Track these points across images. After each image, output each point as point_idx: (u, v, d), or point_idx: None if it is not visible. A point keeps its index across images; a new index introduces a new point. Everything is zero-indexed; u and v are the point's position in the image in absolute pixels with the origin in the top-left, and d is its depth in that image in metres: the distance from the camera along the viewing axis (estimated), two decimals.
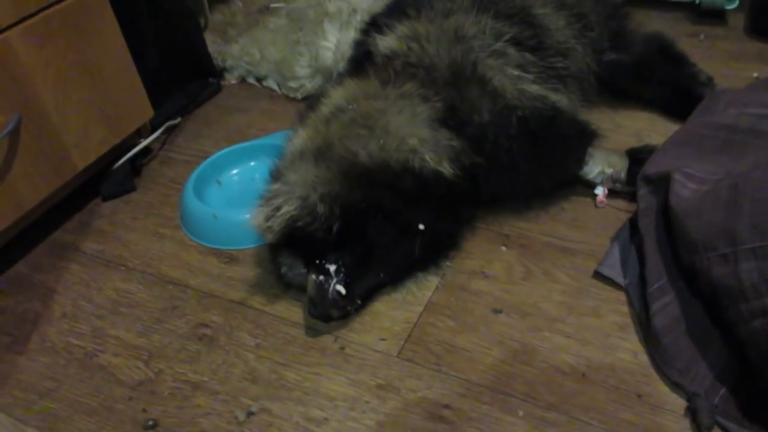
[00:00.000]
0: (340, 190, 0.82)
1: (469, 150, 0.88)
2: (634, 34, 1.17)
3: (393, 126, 0.86)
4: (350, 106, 0.91)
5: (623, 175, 0.95)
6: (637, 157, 0.95)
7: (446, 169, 0.86)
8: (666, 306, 0.77)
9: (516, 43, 0.96)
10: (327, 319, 0.84)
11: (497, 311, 0.85)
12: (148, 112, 1.22)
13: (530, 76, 0.95)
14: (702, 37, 1.37)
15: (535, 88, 0.94)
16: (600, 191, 0.97)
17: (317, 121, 0.92)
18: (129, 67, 1.16)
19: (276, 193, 0.84)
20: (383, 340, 0.84)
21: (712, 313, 0.75)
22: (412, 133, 0.86)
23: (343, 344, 0.84)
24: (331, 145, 0.86)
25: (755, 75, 1.21)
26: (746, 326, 0.69)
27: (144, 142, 1.23)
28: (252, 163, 1.18)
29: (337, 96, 0.94)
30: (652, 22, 1.43)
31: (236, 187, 1.16)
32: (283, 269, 0.89)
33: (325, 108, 0.93)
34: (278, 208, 0.82)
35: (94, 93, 1.09)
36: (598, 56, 1.10)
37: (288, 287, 0.92)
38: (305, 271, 0.86)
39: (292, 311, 0.90)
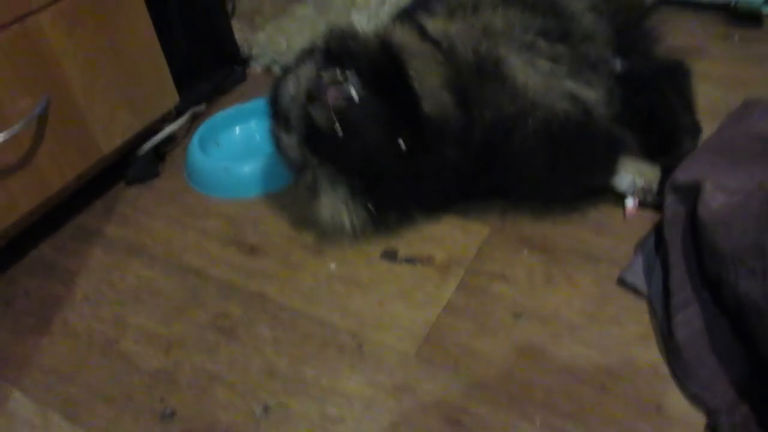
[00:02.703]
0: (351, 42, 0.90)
1: (464, 124, 0.89)
2: (648, 46, 1.06)
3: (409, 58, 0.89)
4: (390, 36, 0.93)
5: (655, 186, 0.93)
6: (670, 168, 0.92)
7: (426, 106, 0.87)
8: (689, 318, 0.76)
9: (545, 33, 0.94)
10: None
11: (517, 315, 0.85)
12: (173, 98, 1.22)
13: (564, 68, 0.92)
14: (736, 39, 1.34)
15: (567, 84, 0.92)
16: (630, 203, 0.96)
17: None
18: (156, 52, 1.16)
19: (301, 74, 0.92)
20: (401, 339, 0.84)
21: (737, 328, 0.74)
22: (417, 68, 0.88)
23: (361, 342, 0.84)
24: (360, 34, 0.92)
25: None
26: None
27: (169, 129, 1.23)
28: (252, 123, 1.26)
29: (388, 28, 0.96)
30: (685, 23, 1.40)
31: (238, 146, 1.24)
32: (284, 138, 0.94)
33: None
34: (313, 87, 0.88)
35: (121, 78, 1.09)
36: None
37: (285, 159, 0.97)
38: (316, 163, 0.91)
39: (311, 306, 0.90)
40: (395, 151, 0.88)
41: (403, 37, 0.92)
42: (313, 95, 0.86)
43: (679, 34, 1.33)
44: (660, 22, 1.05)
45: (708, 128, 1.07)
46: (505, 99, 0.89)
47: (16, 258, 1.05)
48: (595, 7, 0.98)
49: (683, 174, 0.85)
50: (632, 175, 0.95)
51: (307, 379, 0.80)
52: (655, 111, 0.98)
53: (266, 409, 0.77)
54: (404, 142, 0.88)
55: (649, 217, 0.95)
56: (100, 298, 0.96)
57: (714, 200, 0.78)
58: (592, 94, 0.92)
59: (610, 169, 0.95)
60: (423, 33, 0.94)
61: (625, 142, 0.95)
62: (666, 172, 0.92)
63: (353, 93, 0.84)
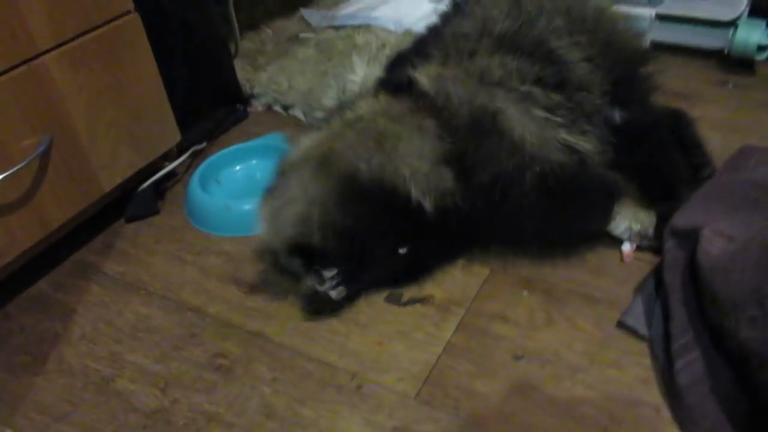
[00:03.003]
0: (335, 211, 0.88)
1: (464, 196, 0.90)
2: (647, 95, 1.06)
3: (400, 151, 0.91)
4: (374, 119, 0.95)
5: (651, 231, 0.94)
6: (665, 214, 0.93)
7: (428, 204, 0.90)
8: (690, 364, 0.76)
9: (541, 82, 0.96)
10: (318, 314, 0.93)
11: (518, 357, 0.84)
12: (175, 137, 1.23)
13: (559, 119, 0.94)
14: (731, 85, 1.37)
15: (563, 135, 0.93)
16: (627, 247, 0.96)
17: (340, 124, 0.97)
18: (160, 92, 1.18)
19: (277, 204, 0.93)
20: (401, 380, 0.83)
21: (739, 375, 0.74)
22: (411, 163, 0.90)
23: (360, 383, 0.83)
24: (336, 155, 0.91)
25: None
26: None
27: (170, 166, 1.24)
28: (254, 162, 1.28)
29: (364, 106, 0.98)
30: (680, 69, 1.43)
31: (238, 184, 1.25)
32: (282, 259, 0.96)
33: (350, 114, 0.98)
34: (283, 230, 0.91)
35: (124, 117, 1.10)
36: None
37: (282, 273, 0.99)
38: (301, 265, 0.93)
39: (310, 346, 0.89)
40: (395, 256, 0.93)
41: (390, 119, 0.94)
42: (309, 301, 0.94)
43: (674, 80, 1.36)
44: (657, 70, 1.06)
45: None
46: (502, 155, 0.90)
47: (13, 294, 1.04)
48: (591, 58, 0.99)
49: (682, 219, 0.86)
50: (628, 221, 0.96)
51: (305, 419, 0.79)
52: (654, 162, 0.99)
53: None
54: (406, 247, 0.93)
55: (648, 260, 0.95)
56: (97, 335, 0.95)
57: (713, 246, 0.78)
58: (587, 145, 0.94)
59: (607, 216, 0.96)
60: (411, 90, 0.97)
61: (620, 188, 0.96)
62: (662, 218, 0.93)
63: (333, 294, 0.91)
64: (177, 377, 0.87)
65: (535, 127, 0.92)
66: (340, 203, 0.89)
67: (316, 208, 0.89)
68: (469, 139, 0.91)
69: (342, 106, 1.04)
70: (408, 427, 0.77)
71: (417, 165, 0.90)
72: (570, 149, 0.92)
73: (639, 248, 0.97)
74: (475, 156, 0.90)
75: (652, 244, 0.95)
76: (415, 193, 0.89)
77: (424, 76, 0.97)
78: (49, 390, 0.87)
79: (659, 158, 0.99)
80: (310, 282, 0.90)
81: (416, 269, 0.98)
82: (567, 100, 0.95)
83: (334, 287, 0.89)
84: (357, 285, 0.93)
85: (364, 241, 0.89)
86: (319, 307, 0.92)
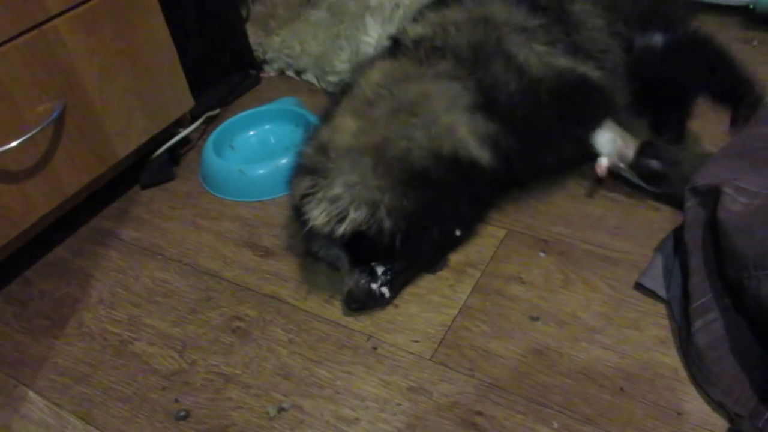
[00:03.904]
0: (402, 201, 0.84)
1: (503, 131, 0.89)
2: (678, 19, 1.06)
3: (438, 112, 0.88)
4: (391, 90, 0.91)
5: (630, 153, 0.92)
6: (649, 146, 0.92)
7: (487, 157, 0.88)
8: (709, 323, 0.75)
9: (545, 30, 0.96)
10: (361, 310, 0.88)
11: (534, 318, 0.84)
12: (188, 103, 1.23)
13: (558, 51, 0.94)
14: (755, 42, 1.33)
15: (562, 61, 0.93)
16: (604, 161, 0.94)
17: (361, 105, 0.92)
18: (172, 57, 1.17)
19: (339, 195, 0.84)
20: (416, 342, 0.83)
21: (759, 333, 0.73)
22: (458, 121, 0.87)
23: (375, 344, 0.83)
24: (387, 143, 0.86)
25: None
26: None
27: (183, 132, 1.24)
28: (267, 126, 1.27)
29: (374, 78, 0.94)
30: (705, 27, 1.39)
31: (253, 149, 1.24)
32: (316, 248, 0.91)
33: (365, 90, 0.93)
34: (345, 213, 0.83)
35: (137, 82, 1.10)
36: (629, 46, 1.03)
37: (314, 258, 0.94)
38: (341, 254, 0.88)
39: (325, 308, 0.89)
40: (451, 239, 0.93)
41: (406, 80, 0.91)
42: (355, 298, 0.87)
43: None
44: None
45: (725, 131, 1.06)
46: (510, 76, 0.90)
47: (32, 260, 1.05)
48: (609, 23, 1.00)
49: (703, 178, 0.84)
50: (613, 134, 0.94)
51: (321, 380, 0.80)
52: (714, 67, 1.01)
53: (280, 410, 0.77)
54: (461, 228, 0.93)
55: (668, 219, 0.94)
56: (114, 299, 0.96)
57: (734, 204, 0.76)
58: (585, 67, 0.94)
59: (599, 119, 0.95)
60: (400, 46, 0.96)
61: (618, 100, 0.97)
62: (644, 144, 0.92)
63: (386, 291, 0.87)
64: (194, 340, 0.88)
65: (535, 55, 0.92)
66: (405, 189, 0.84)
67: (384, 194, 0.84)
68: (479, 68, 0.90)
69: (343, 88, 1.00)
70: (423, 387, 0.77)
71: (461, 118, 0.88)
72: (570, 70, 0.93)
73: (613, 170, 0.96)
74: (489, 82, 0.89)
75: (625, 172, 0.95)
76: (473, 149, 0.87)
77: (419, 25, 0.97)
78: (69, 353, 0.89)
79: (720, 64, 1.02)
80: (359, 279, 0.86)
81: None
82: (566, 36, 0.96)
83: (386, 283, 0.87)
84: (405, 278, 0.90)
85: (427, 226, 0.87)
86: (366, 305, 0.87)
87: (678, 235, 0.87)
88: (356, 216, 0.83)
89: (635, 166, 0.92)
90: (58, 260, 1.05)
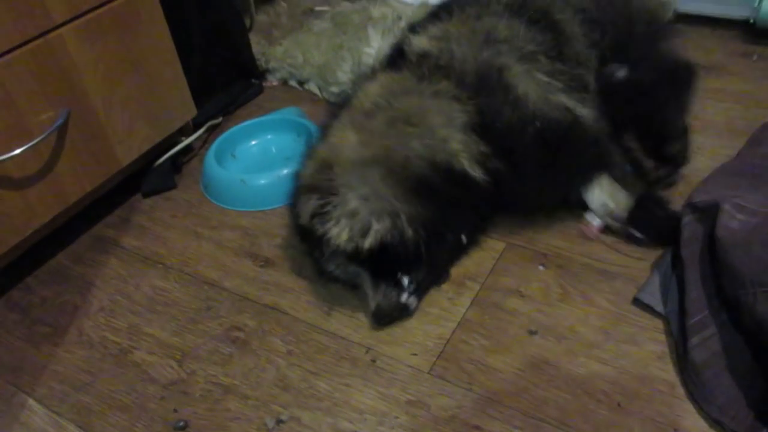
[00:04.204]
0: (417, 208, 0.84)
1: (495, 156, 0.89)
2: (655, 51, 1.05)
3: (435, 125, 0.88)
4: (390, 102, 0.91)
5: (623, 214, 0.93)
6: (644, 203, 0.92)
7: (477, 173, 0.88)
8: (706, 340, 0.75)
9: (545, 49, 0.96)
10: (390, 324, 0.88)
11: (532, 332, 0.84)
12: (191, 111, 1.23)
13: (559, 84, 0.94)
14: (755, 57, 1.34)
15: (562, 98, 0.93)
16: (596, 222, 0.96)
17: (359, 117, 0.92)
18: (175, 66, 1.17)
19: (356, 209, 0.83)
20: (415, 355, 0.83)
21: (755, 350, 0.73)
22: (452, 136, 0.88)
23: (374, 356, 0.84)
24: (388, 152, 0.87)
25: None
26: None
27: (186, 141, 1.25)
28: (269, 136, 1.28)
29: (373, 90, 0.95)
30: (704, 40, 1.40)
31: (254, 159, 1.25)
32: (332, 267, 0.89)
33: (364, 102, 0.93)
34: (368, 226, 0.82)
35: (140, 91, 1.10)
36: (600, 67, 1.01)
37: (328, 279, 0.92)
38: (361, 270, 0.87)
39: (324, 319, 0.90)
40: (459, 246, 0.95)
41: (406, 94, 0.91)
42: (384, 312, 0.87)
43: (698, 51, 1.33)
44: (677, 28, 1.06)
45: (725, 145, 1.06)
46: (507, 108, 0.90)
47: (34, 267, 1.06)
48: (594, 23, 0.99)
49: (702, 194, 0.85)
50: (606, 197, 0.94)
51: (320, 392, 0.80)
52: (647, 118, 0.98)
53: (279, 421, 0.77)
54: (466, 236, 0.94)
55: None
56: (115, 307, 0.97)
57: (733, 221, 0.77)
58: (585, 110, 0.93)
59: (591, 175, 0.95)
60: (405, 59, 0.97)
61: (609, 154, 0.96)
62: (639, 207, 0.92)
63: (414, 301, 0.88)
64: (193, 350, 0.88)
65: (536, 86, 0.92)
66: (415, 197, 0.85)
67: (400, 203, 0.83)
68: (480, 95, 0.90)
69: (344, 100, 1.00)
70: (422, 400, 0.78)
71: (456, 135, 0.88)
72: (568, 111, 0.92)
73: (605, 229, 0.96)
74: (485, 109, 0.89)
75: (620, 229, 0.94)
76: (466, 163, 0.88)
77: (424, 37, 0.97)
78: (68, 361, 0.89)
79: (651, 115, 0.98)
80: (388, 292, 0.85)
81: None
82: (568, 70, 0.95)
83: (413, 293, 0.87)
84: (427, 287, 0.91)
85: (442, 233, 0.88)
86: (395, 319, 0.87)
87: (675, 251, 0.87)
88: (380, 227, 0.82)
89: (630, 228, 0.93)
90: (59, 267, 1.06)
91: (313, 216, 0.86)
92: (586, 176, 0.96)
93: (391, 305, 0.86)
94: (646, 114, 0.98)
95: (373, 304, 0.86)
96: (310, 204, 0.86)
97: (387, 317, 0.86)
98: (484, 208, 0.96)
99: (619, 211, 0.94)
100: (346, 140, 0.90)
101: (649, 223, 0.92)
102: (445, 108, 0.90)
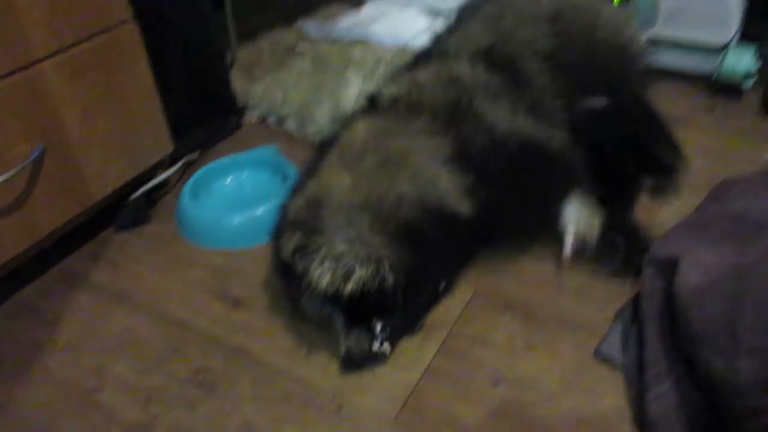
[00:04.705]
0: (400, 255, 0.85)
1: (478, 183, 0.91)
2: (636, 87, 1.12)
3: (422, 163, 0.91)
4: (377, 143, 0.93)
5: (593, 235, 0.96)
6: (614, 228, 0.96)
7: (465, 208, 0.90)
8: (663, 394, 0.77)
9: (506, 90, 1.00)
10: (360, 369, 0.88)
11: (496, 382, 0.85)
12: (168, 147, 1.24)
13: (524, 112, 0.99)
14: (717, 111, 1.39)
15: (530, 123, 0.97)
16: (570, 245, 0.98)
17: (350, 159, 0.93)
18: (154, 102, 1.18)
19: (343, 253, 0.84)
20: (381, 402, 0.84)
21: (709, 406, 0.75)
22: (439, 174, 0.90)
23: (340, 404, 0.84)
24: (380, 197, 0.88)
25: (767, 156, 1.22)
26: (743, 424, 0.69)
27: (161, 176, 1.25)
28: (245, 174, 1.29)
29: (359, 131, 0.96)
30: (669, 93, 1.45)
31: (229, 196, 1.25)
32: (306, 305, 0.88)
33: (352, 142, 0.95)
34: (351, 271, 0.83)
35: (118, 126, 1.11)
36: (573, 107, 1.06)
37: (300, 317, 0.92)
38: (336, 313, 0.87)
39: (293, 364, 0.90)
40: (436, 293, 0.97)
41: (388, 136, 0.94)
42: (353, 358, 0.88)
43: (663, 103, 1.37)
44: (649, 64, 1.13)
45: (686, 200, 1.10)
46: (479, 136, 0.93)
47: None
48: (560, 66, 1.04)
49: (662, 248, 0.88)
50: (576, 220, 0.97)
51: None
52: (606, 154, 1.02)
53: None
54: (446, 282, 0.96)
55: (629, 285, 0.96)
56: (82, 345, 0.96)
57: (690, 277, 0.80)
58: (554, 134, 0.98)
59: (563, 197, 0.98)
60: (378, 105, 1.00)
61: (580, 177, 1.00)
62: (608, 227, 0.96)
63: (387, 348, 0.89)
64: (159, 392, 0.87)
65: (504, 114, 0.97)
66: (400, 243, 0.85)
67: (385, 249, 0.84)
68: (453, 125, 0.93)
69: (324, 145, 1.02)
70: None
71: (441, 174, 0.90)
72: (537, 135, 0.97)
73: (578, 251, 0.99)
74: (462, 138, 0.92)
75: (591, 252, 0.97)
76: (452, 205, 0.89)
77: (392, 86, 1.01)
78: (31, 400, 0.88)
79: (611, 150, 1.02)
80: (359, 339, 0.87)
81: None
82: (530, 106, 1.00)
83: (386, 339, 0.87)
84: (400, 335, 0.91)
85: (422, 279, 0.89)
86: (363, 366, 0.88)
87: (636, 303, 0.90)
88: (362, 273, 0.83)
89: (600, 247, 0.96)
90: (26, 301, 1.05)
91: (295, 252, 0.86)
92: (559, 198, 0.99)
93: (362, 352, 0.87)
94: (631, 135, 1.03)
95: (343, 349, 0.87)
96: (293, 239, 0.86)
97: (356, 363, 0.87)
98: (468, 249, 0.99)
99: (589, 233, 0.97)
100: (339, 180, 0.90)
101: (618, 249, 0.95)
102: (427, 144, 0.92)
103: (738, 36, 1.40)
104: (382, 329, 0.87)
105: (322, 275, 0.83)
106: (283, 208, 0.95)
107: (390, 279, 0.84)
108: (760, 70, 1.37)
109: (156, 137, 1.21)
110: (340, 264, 0.83)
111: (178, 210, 1.19)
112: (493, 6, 1.14)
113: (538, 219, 1.01)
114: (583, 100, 1.04)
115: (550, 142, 0.98)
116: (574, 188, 0.99)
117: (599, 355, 0.87)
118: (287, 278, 0.90)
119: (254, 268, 1.07)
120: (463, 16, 1.18)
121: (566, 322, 0.93)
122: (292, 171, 1.21)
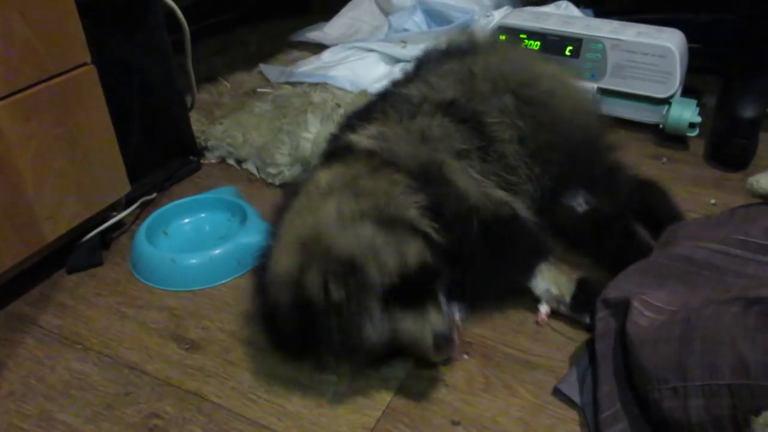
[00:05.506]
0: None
1: (448, 243, 0.91)
2: (612, 173, 1.15)
3: (395, 198, 0.90)
4: (345, 186, 0.92)
5: (567, 299, 0.98)
6: (584, 287, 0.98)
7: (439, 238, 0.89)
8: None
9: (475, 149, 1.02)
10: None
11: (455, 423, 0.85)
12: (124, 188, 1.22)
13: (492, 183, 1.01)
14: (665, 160, 1.45)
15: (500, 194, 0.99)
16: (543, 309, 1.00)
17: (325, 192, 0.91)
18: (111, 143, 1.17)
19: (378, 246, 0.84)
20: None
21: None
22: (410, 207, 0.90)
23: None
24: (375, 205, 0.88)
25: (713, 202, 1.28)
26: None
27: (117, 217, 1.23)
28: (203, 215, 1.27)
29: (327, 177, 0.95)
30: (619, 141, 1.50)
31: (186, 237, 1.24)
32: (323, 328, 0.83)
33: (317, 189, 0.93)
34: (401, 250, 0.84)
35: (73, 167, 1.09)
36: (548, 199, 1.08)
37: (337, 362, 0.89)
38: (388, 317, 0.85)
39: (248, 407, 0.88)
40: None
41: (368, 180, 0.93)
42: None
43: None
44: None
45: None
46: (451, 201, 0.94)
47: None
48: (526, 141, 1.06)
49: (614, 290, 0.90)
50: (548, 284, 0.99)
51: None
52: (619, 252, 1.04)
53: None
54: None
55: (586, 327, 0.98)
56: (26, 391, 0.92)
57: (641, 318, 0.82)
58: (519, 204, 1.00)
59: (532, 268, 1.00)
60: (352, 153, 0.99)
61: (547, 247, 1.02)
62: (580, 289, 0.97)
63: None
64: None
65: (474, 182, 0.98)
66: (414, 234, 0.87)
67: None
68: (426, 186, 0.93)
69: (292, 191, 1.01)
70: None
71: (413, 211, 0.90)
72: (506, 205, 0.99)
73: (554, 313, 1.00)
74: (434, 200, 0.92)
75: (567, 312, 0.99)
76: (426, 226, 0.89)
77: (363, 137, 1.01)
78: None
79: (625, 249, 1.04)
80: (444, 311, 0.86)
81: None
82: (498, 170, 1.02)
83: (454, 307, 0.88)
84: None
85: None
86: (453, 339, 0.85)
87: (592, 344, 0.92)
88: (413, 245, 0.86)
89: (575, 311, 0.98)
90: None
91: (326, 284, 0.82)
92: (528, 266, 1.00)
93: (448, 329, 0.85)
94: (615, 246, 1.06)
95: (427, 335, 0.84)
96: (316, 273, 0.82)
97: (447, 340, 0.84)
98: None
99: (561, 296, 0.98)
100: (325, 207, 0.88)
101: (590, 307, 0.95)
102: (401, 194, 0.92)
103: (680, 90, 1.48)
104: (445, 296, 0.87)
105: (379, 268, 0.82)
106: (267, 252, 0.92)
107: (427, 253, 0.86)
108: (703, 122, 1.44)
109: (112, 178, 1.19)
110: (382, 254, 0.83)
111: (132, 251, 1.17)
112: (456, 64, 1.15)
113: (508, 283, 1.02)
114: (563, 197, 1.08)
115: (519, 217, 1.00)
116: (543, 257, 1.01)
117: (558, 394, 0.88)
118: (306, 320, 0.84)
119: (211, 309, 1.06)
120: (423, 66, 1.20)
121: (524, 361, 0.94)
122: (252, 212, 1.20)
